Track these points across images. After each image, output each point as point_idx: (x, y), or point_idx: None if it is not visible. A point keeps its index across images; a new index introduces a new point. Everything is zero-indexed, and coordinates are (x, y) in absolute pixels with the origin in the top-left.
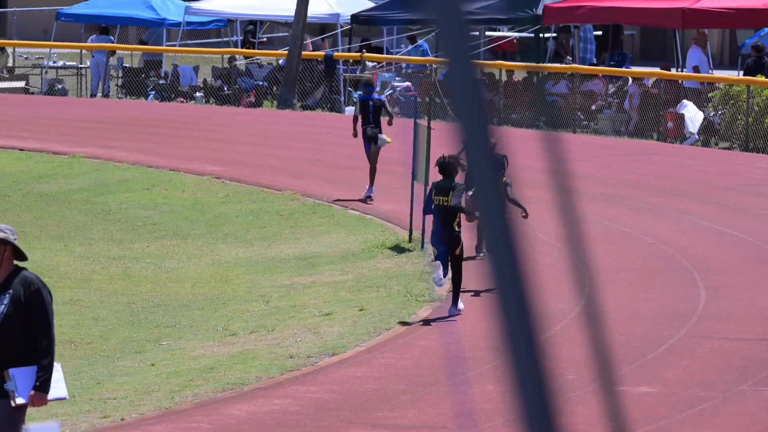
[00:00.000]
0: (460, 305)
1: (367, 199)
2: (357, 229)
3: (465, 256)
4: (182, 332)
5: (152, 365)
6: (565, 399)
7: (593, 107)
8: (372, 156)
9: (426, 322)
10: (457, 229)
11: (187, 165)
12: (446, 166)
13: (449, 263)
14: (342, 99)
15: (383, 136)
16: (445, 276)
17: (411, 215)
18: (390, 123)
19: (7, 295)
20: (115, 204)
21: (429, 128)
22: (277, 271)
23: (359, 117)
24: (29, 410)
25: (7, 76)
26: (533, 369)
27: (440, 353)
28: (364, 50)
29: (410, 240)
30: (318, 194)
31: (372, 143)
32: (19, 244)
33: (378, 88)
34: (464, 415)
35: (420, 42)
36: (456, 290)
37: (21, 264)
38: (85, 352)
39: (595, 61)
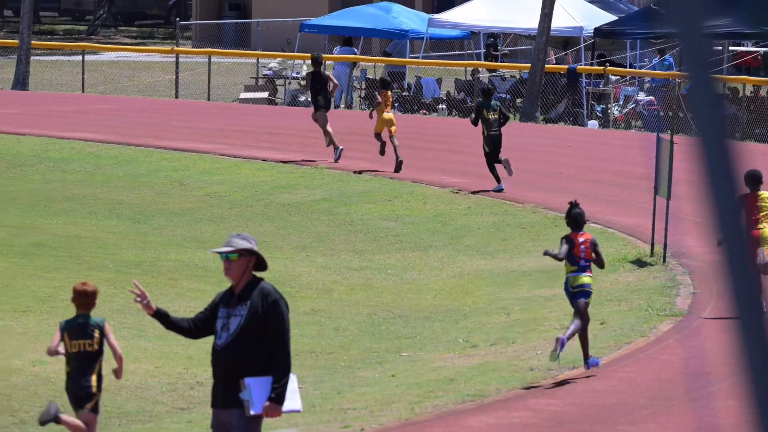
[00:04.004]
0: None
1: None
2: (598, 242)
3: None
4: (423, 343)
5: (393, 376)
6: None
7: None
8: None
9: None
10: None
11: (429, 177)
12: None
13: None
14: (584, 112)
15: None
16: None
17: (653, 229)
18: None
19: (245, 306)
20: (356, 215)
21: (672, 143)
22: (518, 283)
23: None
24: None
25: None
26: None
27: (681, 367)
28: (608, 64)
29: (652, 254)
30: (559, 207)
31: None
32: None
33: (621, 102)
34: (705, 430)
35: (666, 56)
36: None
37: (258, 274)
38: (326, 362)
39: None
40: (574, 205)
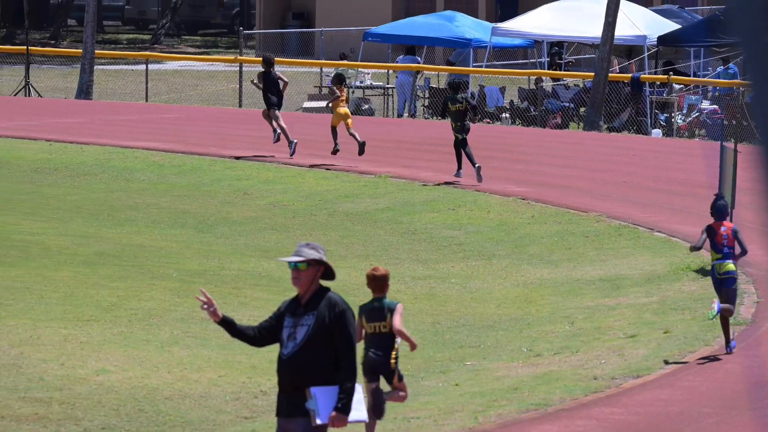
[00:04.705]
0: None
1: None
2: (662, 251)
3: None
4: (486, 352)
5: (456, 385)
6: None
7: None
8: None
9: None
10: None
11: (492, 186)
12: None
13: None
14: (648, 121)
15: None
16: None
17: None
18: None
19: (312, 316)
20: (420, 224)
21: (735, 151)
22: (582, 292)
23: None
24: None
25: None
26: None
27: (745, 376)
28: (671, 72)
29: None
30: (623, 216)
31: None
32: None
33: (685, 111)
34: None
35: (730, 65)
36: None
37: (324, 283)
38: None
39: None
40: (718, 197)
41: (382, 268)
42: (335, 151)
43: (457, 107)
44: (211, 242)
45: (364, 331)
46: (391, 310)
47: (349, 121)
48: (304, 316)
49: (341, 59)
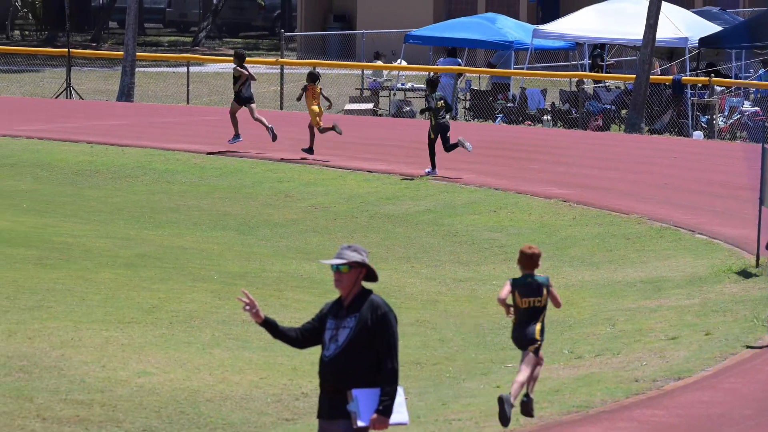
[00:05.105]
0: None
1: None
2: (703, 253)
3: None
4: None
5: (497, 387)
6: None
7: None
8: None
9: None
10: None
11: (533, 188)
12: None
13: None
14: (689, 123)
15: None
16: None
17: (758, 240)
18: None
19: (354, 318)
20: (461, 226)
21: None
22: (623, 294)
23: None
24: None
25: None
26: None
27: None
28: (713, 75)
29: (757, 265)
30: (665, 218)
31: None
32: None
33: (726, 113)
34: None
35: None
36: None
37: (367, 286)
38: (431, 373)
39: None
40: None
41: (536, 247)
42: (332, 129)
43: (440, 104)
44: (253, 244)
45: (515, 305)
46: (547, 287)
47: (318, 119)
48: (346, 318)
49: (375, 59)
